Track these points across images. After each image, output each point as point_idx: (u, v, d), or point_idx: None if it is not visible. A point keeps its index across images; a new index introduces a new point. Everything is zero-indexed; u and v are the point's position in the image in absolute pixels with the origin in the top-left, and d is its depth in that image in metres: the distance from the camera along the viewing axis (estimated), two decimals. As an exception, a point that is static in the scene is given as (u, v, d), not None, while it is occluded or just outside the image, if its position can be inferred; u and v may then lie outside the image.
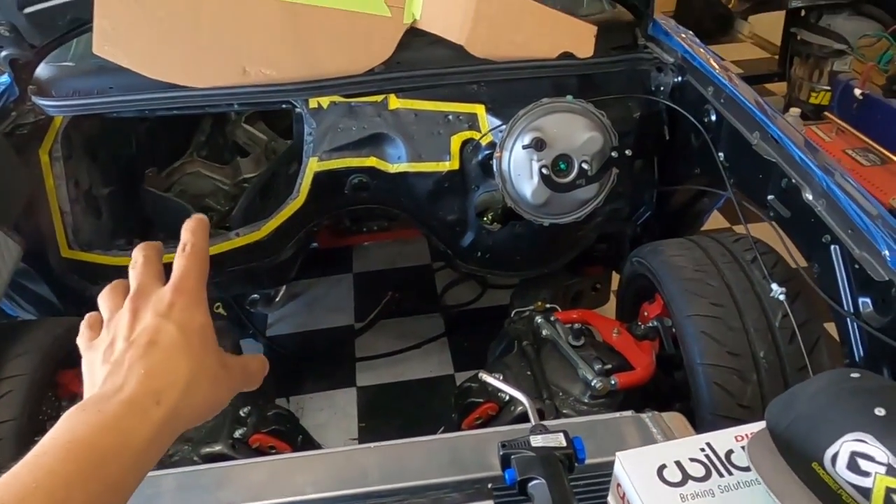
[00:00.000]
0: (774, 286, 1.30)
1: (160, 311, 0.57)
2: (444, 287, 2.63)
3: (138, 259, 0.64)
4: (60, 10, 1.50)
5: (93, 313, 0.65)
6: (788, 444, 0.67)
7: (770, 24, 4.23)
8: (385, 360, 2.31)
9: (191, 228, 0.64)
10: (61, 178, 1.67)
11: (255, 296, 2.49)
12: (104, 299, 0.63)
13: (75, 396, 1.46)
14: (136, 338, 0.56)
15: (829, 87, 3.20)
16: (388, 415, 2.13)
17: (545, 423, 0.88)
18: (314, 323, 2.52)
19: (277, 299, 2.59)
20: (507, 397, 1.45)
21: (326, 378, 2.26)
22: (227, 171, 2.25)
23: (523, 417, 1.42)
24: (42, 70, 1.67)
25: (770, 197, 1.33)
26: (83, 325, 0.63)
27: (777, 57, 3.78)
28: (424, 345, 2.37)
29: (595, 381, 1.37)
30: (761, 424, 0.70)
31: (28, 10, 1.47)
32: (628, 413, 0.89)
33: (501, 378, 1.49)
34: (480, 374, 1.27)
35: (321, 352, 2.36)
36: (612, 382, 1.37)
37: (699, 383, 1.29)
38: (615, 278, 2.11)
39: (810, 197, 1.22)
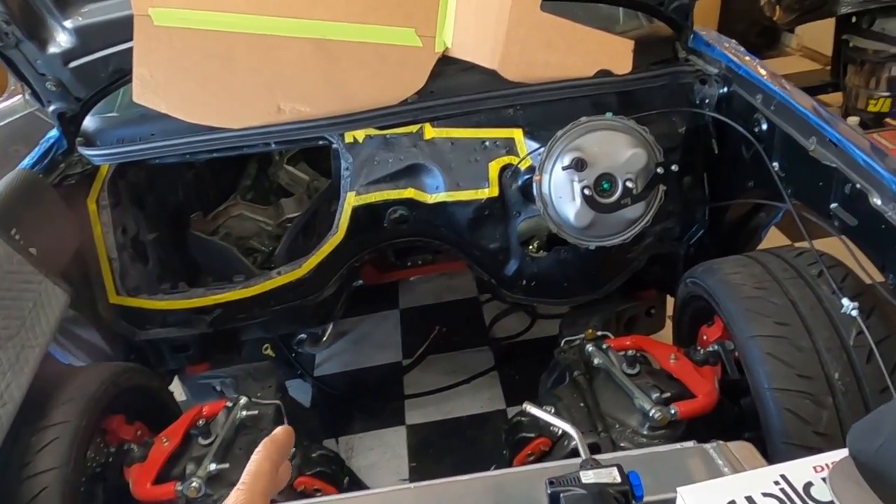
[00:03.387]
0: (846, 301, 1.19)
1: None
2: (492, 319, 2.57)
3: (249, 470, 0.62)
4: (103, 62, 1.55)
5: None
6: (876, 472, 0.59)
7: (819, 34, 4.09)
8: (434, 397, 2.25)
9: (257, 458, 0.62)
10: (108, 225, 1.70)
11: (303, 335, 2.48)
12: None
13: (123, 443, 1.45)
14: None
15: (888, 93, 3.04)
16: (439, 453, 2.06)
17: (597, 456, 0.81)
18: (362, 361, 2.49)
19: (325, 338, 2.57)
20: (560, 431, 1.37)
21: (376, 417, 2.22)
22: (271, 212, 2.27)
23: (578, 452, 1.34)
24: (89, 122, 1.72)
25: (833, 205, 1.24)
26: None
27: (829, 67, 3.64)
28: (474, 379, 2.30)
29: (653, 412, 1.28)
30: (843, 452, 0.62)
31: (73, 64, 1.52)
32: (689, 444, 0.81)
33: (552, 411, 1.42)
34: (526, 406, 1.20)
35: (370, 390, 2.32)
36: (672, 412, 1.28)
37: (768, 410, 1.19)
38: (670, 302, 2.02)
39: (878, 202, 1.12)
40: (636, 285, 1.92)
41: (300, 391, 2.34)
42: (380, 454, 2.08)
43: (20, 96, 2.84)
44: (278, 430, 0.67)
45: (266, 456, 0.63)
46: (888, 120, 2.88)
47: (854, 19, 3.18)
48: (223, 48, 1.49)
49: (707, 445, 0.79)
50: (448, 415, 2.19)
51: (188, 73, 1.49)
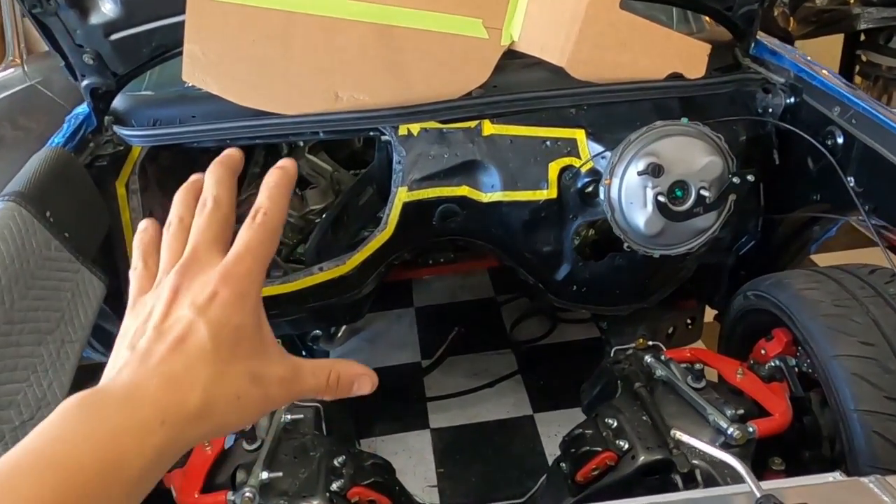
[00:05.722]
0: (930, 322, 1.17)
1: (199, 305, 0.48)
2: (512, 321, 2.51)
3: (207, 200, 0.53)
4: (146, 37, 1.44)
5: (152, 228, 0.56)
6: None
7: (821, 49, 4.13)
8: (458, 400, 2.19)
9: (270, 185, 0.53)
10: (138, 212, 1.59)
11: (318, 332, 2.39)
12: (173, 211, 0.55)
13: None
14: (166, 329, 0.47)
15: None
16: (466, 459, 2.00)
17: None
18: (379, 360, 2.41)
19: (339, 335, 2.49)
20: (626, 445, 1.32)
21: (398, 419, 2.14)
22: (294, 203, 2.17)
23: (646, 469, 1.30)
24: (118, 101, 1.61)
25: (924, 224, 1.21)
26: (140, 256, 0.55)
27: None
28: (497, 383, 2.24)
29: (732, 430, 1.24)
30: None
31: (115, 36, 1.41)
32: (843, 478, 0.76)
33: (615, 424, 1.37)
34: (675, 433, 1.18)
35: (389, 391, 2.23)
36: (751, 430, 1.24)
37: (854, 432, 1.16)
38: (707, 312, 1.99)
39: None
40: (677, 294, 1.89)
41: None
42: (405, 459, 2.00)
43: (17, 68, 2.67)
44: (226, 154, 0.57)
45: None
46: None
47: (865, 35, 3.21)
48: (281, 28, 1.39)
49: (865, 479, 0.75)
50: (473, 419, 2.13)
51: (242, 54, 1.40)
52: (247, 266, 0.50)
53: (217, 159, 0.56)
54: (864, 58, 3.22)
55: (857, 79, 3.42)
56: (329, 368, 0.53)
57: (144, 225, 0.57)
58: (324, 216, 1.99)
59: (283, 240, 2.11)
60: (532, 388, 2.24)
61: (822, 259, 2.72)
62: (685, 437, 1.15)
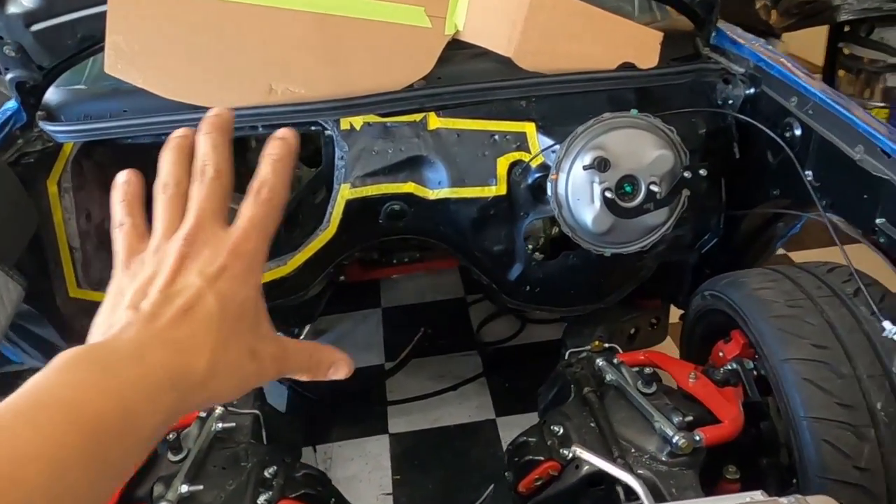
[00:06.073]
0: (887, 324, 1.10)
1: (208, 275, 0.49)
2: (480, 322, 2.45)
3: (207, 168, 0.53)
4: (70, 28, 1.37)
5: (135, 181, 0.55)
6: None
7: (806, 42, 4.06)
8: (419, 404, 2.13)
9: (273, 158, 0.53)
10: (71, 211, 1.53)
11: (279, 334, 2.33)
12: (169, 173, 0.54)
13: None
14: (173, 293, 0.48)
15: (884, 104, 3.01)
16: (424, 465, 1.94)
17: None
18: (342, 363, 2.34)
19: (301, 337, 2.42)
20: (571, 455, 1.26)
21: (356, 424, 2.08)
22: (249, 201, 2.11)
23: (590, 479, 1.23)
24: (51, 94, 1.54)
25: (880, 220, 1.14)
26: (125, 211, 0.54)
27: (819, 76, 3.60)
28: (461, 386, 2.18)
29: (676, 438, 1.17)
30: None
31: (36, 27, 1.35)
32: (763, 498, 0.70)
33: (561, 431, 1.31)
34: (576, 450, 1.10)
35: (350, 394, 2.18)
36: (697, 439, 1.18)
37: (804, 440, 1.10)
38: (673, 312, 1.93)
39: (936, 219, 1.03)
40: (639, 294, 1.82)
41: (274, 395, 2.19)
42: (361, 465, 1.94)
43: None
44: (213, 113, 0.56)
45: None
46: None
47: (849, 28, 3.14)
48: (211, 17, 1.33)
49: (784, 500, 0.68)
50: (434, 423, 2.06)
51: (169, 44, 1.33)
52: (254, 243, 0.51)
53: (209, 121, 0.55)
54: (846, 51, 3.15)
55: (841, 72, 3.35)
56: (310, 351, 0.56)
57: (126, 177, 0.56)
58: (276, 215, 1.93)
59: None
60: (497, 390, 2.17)
61: (801, 257, 2.66)
62: (585, 454, 1.09)
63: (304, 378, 0.55)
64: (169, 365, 0.45)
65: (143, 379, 0.44)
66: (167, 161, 0.55)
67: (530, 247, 1.60)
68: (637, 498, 1.15)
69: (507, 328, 2.41)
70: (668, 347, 1.97)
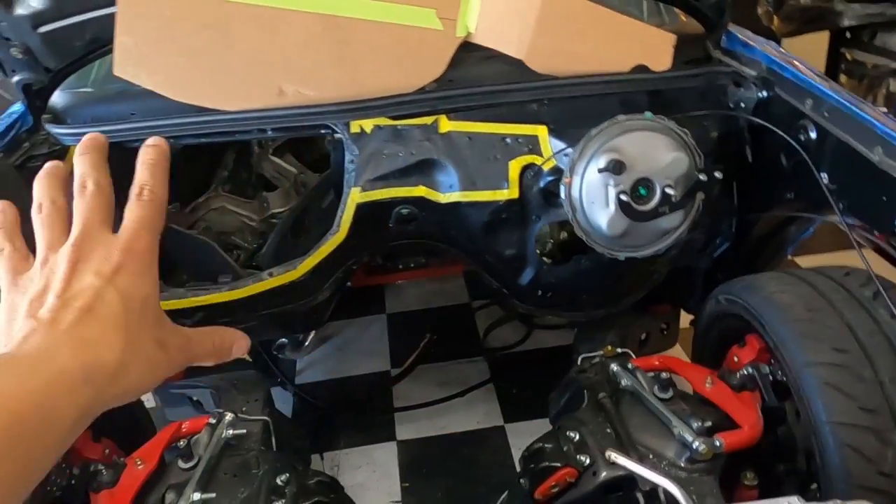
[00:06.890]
0: (908, 327, 1.10)
1: (104, 274, 0.52)
2: (486, 328, 2.43)
3: (87, 183, 0.56)
4: (78, 30, 1.36)
5: (10, 211, 0.57)
6: None
7: (806, 47, 4.07)
8: (426, 411, 2.10)
9: (148, 163, 0.57)
10: (77, 215, 1.51)
11: (283, 340, 2.30)
12: (42, 195, 0.56)
13: (88, 464, 1.27)
14: (71, 297, 0.51)
15: (885, 110, 3.01)
16: (433, 473, 1.91)
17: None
18: (347, 369, 2.32)
19: (306, 344, 2.40)
20: (588, 461, 1.24)
21: (364, 431, 2.05)
22: (255, 206, 2.09)
23: (608, 486, 1.21)
24: (58, 97, 1.53)
25: (901, 222, 1.13)
26: (5, 238, 0.56)
27: (821, 80, 3.60)
28: (469, 392, 2.15)
29: (697, 444, 1.16)
30: None
31: (43, 28, 1.33)
32: (794, 500, 0.68)
33: (577, 437, 1.29)
34: (611, 455, 1.08)
35: (356, 401, 2.15)
36: (718, 444, 1.16)
37: (826, 446, 1.08)
38: (683, 317, 1.92)
39: (960, 221, 1.02)
40: (650, 299, 1.81)
41: (280, 401, 2.16)
42: (368, 473, 1.92)
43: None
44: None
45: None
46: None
47: (848, 35, 3.15)
48: (221, 19, 1.31)
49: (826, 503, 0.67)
50: (442, 430, 2.04)
51: (179, 46, 1.32)
52: (146, 241, 0.54)
53: (84, 145, 0.59)
54: (848, 56, 3.16)
55: (843, 78, 3.36)
56: (211, 335, 0.60)
57: (1, 207, 0.59)
58: (282, 219, 1.91)
59: (243, 244, 2.03)
60: (504, 397, 2.15)
61: (806, 262, 2.65)
62: (621, 459, 1.07)
63: (210, 363, 0.59)
64: (81, 361, 0.48)
65: (57, 377, 0.46)
66: (38, 186, 0.58)
67: (538, 252, 1.59)
68: (657, 503, 1.14)
69: (513, 334, 2.39)
70: (676, 353, 1.96)
